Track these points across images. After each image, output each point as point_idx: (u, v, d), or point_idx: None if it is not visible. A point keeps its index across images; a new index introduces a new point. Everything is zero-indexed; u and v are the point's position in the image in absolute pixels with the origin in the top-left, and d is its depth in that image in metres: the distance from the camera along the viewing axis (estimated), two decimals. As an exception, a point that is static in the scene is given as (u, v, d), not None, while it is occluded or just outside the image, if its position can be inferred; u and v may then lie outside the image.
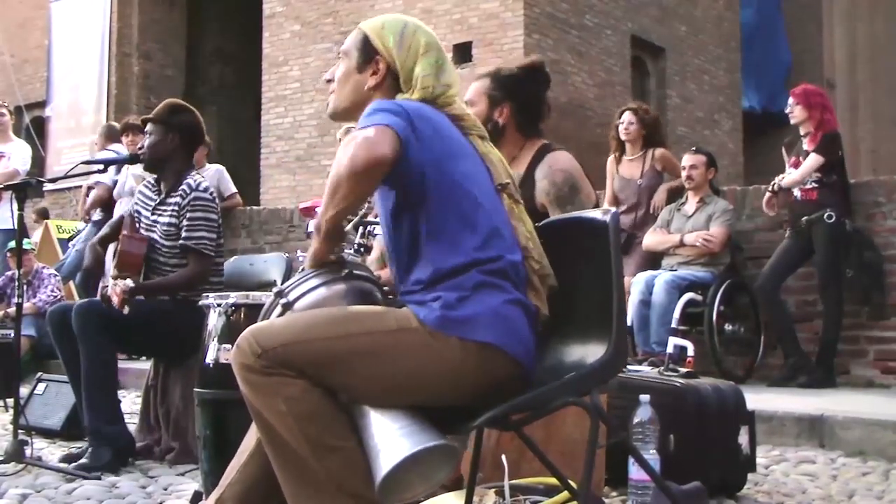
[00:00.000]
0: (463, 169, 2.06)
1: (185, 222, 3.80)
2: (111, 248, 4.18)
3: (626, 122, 6.09)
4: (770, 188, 5.56)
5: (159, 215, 3.89)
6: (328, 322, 1.95)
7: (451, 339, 1.92)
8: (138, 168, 4.47)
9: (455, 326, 1.93)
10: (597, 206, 3.09)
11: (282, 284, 2.15)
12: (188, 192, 3.83)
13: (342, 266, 2.11)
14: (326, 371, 1.90)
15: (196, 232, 3.80)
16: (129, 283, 3.63)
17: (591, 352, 2.01)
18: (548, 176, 3.01)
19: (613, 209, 2.08)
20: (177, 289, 3.80)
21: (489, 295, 1.97)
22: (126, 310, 3.58)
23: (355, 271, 2.13)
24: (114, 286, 3.62)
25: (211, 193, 3.91)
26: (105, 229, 4.20)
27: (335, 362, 1.91)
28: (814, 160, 5.37)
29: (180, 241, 3.81)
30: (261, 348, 1.89)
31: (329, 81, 2.27)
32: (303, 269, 2.13)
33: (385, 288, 2.22)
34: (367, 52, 2.19)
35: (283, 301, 2.08)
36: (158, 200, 3.94)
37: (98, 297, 3.88)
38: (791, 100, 5.55)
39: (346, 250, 2.21)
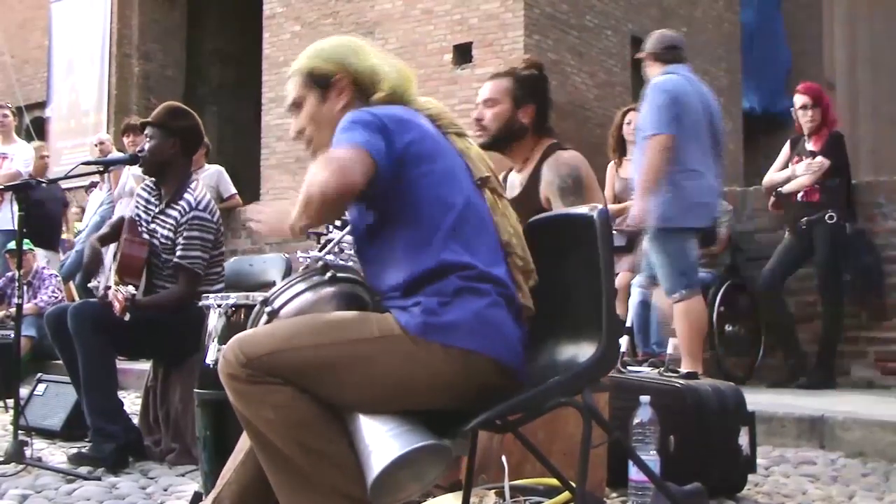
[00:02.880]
0: (442, 167, 2.03)
1: (181, 240, 3.80)
2: (111, 247, 4.17)
3: (633, 123, 6.07)
4: (773, 194, 5.54)
5: (158, 225, 3.89)
6: (312, 330, 1.94)
7: (434, 346, 1.90)
8: (138, 169, 4.47)
9: (437, 332, 1.91)
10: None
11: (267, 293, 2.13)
12: (187, 209, 3.82)
13: (326, 269, 2.09)
14: (311, 379, 1.89)
15: (191, 251, 3.80)
16: (132, 289, 3.63)
17: (582, 351, 1.99)
18: (553, 169, 3.05)
19: (601, 206, 2.05)
20: (167, 308, 3.79)
21: (470, 300, 1.93)
22: (127, 317, 3.57)
23: (339, 274, 2.10)
24: (115, 292, 3.61)
25: (211, 211, 3.88)
26: (105, 229, 4.22)
27: (319, 371, 1.90)
28: (824, 165, 5.30)
29: (174, 259, 3.81)
30: (246, 357, 1.88)
31: (299, 134, 2.21)
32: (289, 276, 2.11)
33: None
34: (322, 81, 2.17)
35: (268, 309, 2.07)
36: (158, 210, 3.93)
37: (97, 300, 3.87)
38: (808, 100, 5.41)
39: (343, 251, 2.20)
